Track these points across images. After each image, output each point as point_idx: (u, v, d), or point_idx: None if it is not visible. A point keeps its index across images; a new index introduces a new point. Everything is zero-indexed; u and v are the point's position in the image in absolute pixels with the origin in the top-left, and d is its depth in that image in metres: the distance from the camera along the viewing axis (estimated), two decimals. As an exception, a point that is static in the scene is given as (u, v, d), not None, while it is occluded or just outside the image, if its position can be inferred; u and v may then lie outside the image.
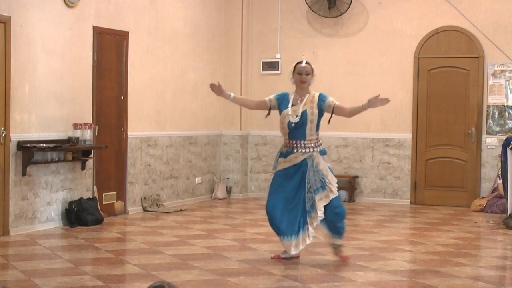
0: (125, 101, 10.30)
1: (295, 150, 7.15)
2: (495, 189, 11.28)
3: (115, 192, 10.18)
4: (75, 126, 9.22)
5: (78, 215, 9.13)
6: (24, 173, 8.55)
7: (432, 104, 11.85)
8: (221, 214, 10.70)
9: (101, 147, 9.60)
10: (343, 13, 12.09)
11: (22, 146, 8.50)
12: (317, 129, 7.20)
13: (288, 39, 12.66)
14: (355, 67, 12.25)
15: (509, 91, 11.44)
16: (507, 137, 9.82)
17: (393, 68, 12.05)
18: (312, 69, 7.32)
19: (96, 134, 9.72)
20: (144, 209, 10.68)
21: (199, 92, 12.07)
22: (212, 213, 10.80)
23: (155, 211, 10.64)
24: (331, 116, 7.24)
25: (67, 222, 9.17)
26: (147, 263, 7.06)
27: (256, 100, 7.67)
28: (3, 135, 8.33)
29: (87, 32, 9.55)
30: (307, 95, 7.27)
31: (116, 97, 10.16)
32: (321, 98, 7.22)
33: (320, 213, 7.07)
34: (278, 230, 7.18)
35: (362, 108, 7.08)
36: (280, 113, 7.32)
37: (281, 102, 7.33)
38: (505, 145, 9.76)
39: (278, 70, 12.68)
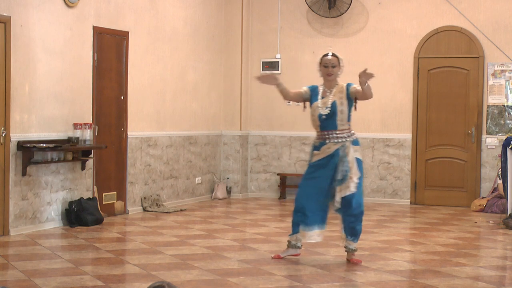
0: (125, 101, 10.30)
1: (327, 141, 7.12)
2: (495, 189, 11.28)
3: (115, 192, 10.18)
4: (75, 126, 9.22)
5: (78, 215, 9.13)
6: (24, 173, 8.55)
7: (432, 104, 11.85)
8: (221, 214, 10.70)
9: (101, 147, 9.60)
10: (343, 13, 12.09)
11: (22, 146, 8.50)
12: (349, 119, 7.16)
13: (288, 39, 12.66)
14: (355, 67, 12.15)
15: (509, 91, 11.44)
16: (507, 137, 9.82)
17: (393, 68, 12.06)
18: (339, 61, 7.27)
19: (96, 134, 9.72)
20: (144, 209, 10.68)
21: (199, 92, 12.07)
22: (212, 213, 10.80)
23: (155, 211, 10.64)
24: (355, 102, 7.19)
25: (67, 222, 9.17)
26: (147, 263, 7.06)
27: (293, 91, 7.47)
28: (3, 135, 8.33)
29: (87, 32, 9.55)
30: (336, 86, 7.24)
31: (116, 97, 10.16)
32: (348, 87, 7.18)
33: (337, 204, 7.07)
34: (306, 219, 7.14)
35: (361, 84, 7.02)
36: (310, 105, 7.28)
37: (312, 94, 7.30)
38: (505, 145, 9.76)
39: (278, 70, 12.68)
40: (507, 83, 11.44)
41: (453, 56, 11.72)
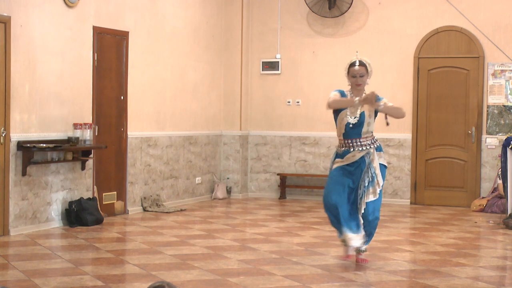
0: (125, 101, 10.30)
1: (352, 149, 7.03)
2: (495, 189, 11.28)
3: (115, 192, 10.18)
4: (75, 126, 9.22)
5: (78, 215, 9.13)
6: (24, 173, 8.55)
7: (432, 104, 11.85)
8: (221, 214, 10.70)
9: (101, 147, 9.60)
10: (343, 13, 12.09)
11: (22, 146, 8.50)
12: (372, 128, 7.11)
13: (288, 39, 12.66)
14: (355, 67, 12.22)
15: (509, 91, 11.44)
16: (507, 137, 9.82)
17: (393, 68, 12.05)
18: (366, 69, 7.11)
19: (96, 134, 9.72)
20: (144, 209, 10.68)
21: (199, 92, 12.07)
22: (212, 213, 10.80)
23: (155, 211, 10.64)
24: (386, 116, 7.09)
25: (67, 222, 9.17)
26: (147, 263, 7.06)
27: (337, 99, 7.18)
28: (3, 135, 8.33)
29: (87, 32, 9.55)
30: (363, 95, 7.09)
31: (116, 97, 10.16)
32: (376, 100, 7.03)
33: (362, 209, 6.96)
34: (341, 222, 7.01)
35: (381, 109, 7.02)
36: (338, 112, 7.12)
37: None
38: (505, 145, 9.76)
39: (278, 70, 12.68)
40: (507, 83, 11.44)
41: (453, 56, 11.72)
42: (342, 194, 7.01)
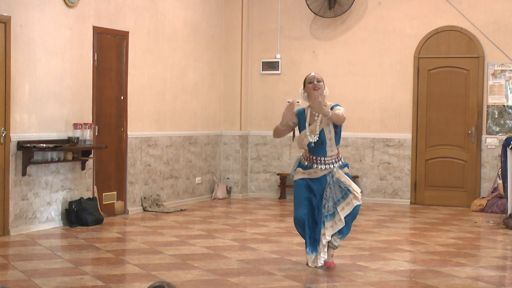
0: (125, 101, 10.30)
1: (315, 166, 6.94)
2: (495, 189, 11.28)
3: (115, 192, 10.18)
4: (75, 126, 9.22)
5: (78, 215, 9.13)
6: (24, 173, 8.56)
7: (432, 104, 11.85)
8: (221, 214, 10.70)
9: (101, 147, 9.60)
10: (343, 13, 12.09)
11: (22, 146, 8.50)
12: (337, 143, 6.98)
13: (288, 39, 12.66)
14: (355, 67, 12.24)
15: (509, 91, 11.44)
16: (507, 137, 9.83)
17: (393, 68, 12.05)
18: (322, 80, 7.03)
19: (96, 134, 9.72)
20: (144, 209, 10.68)
21: (199, 92, 12.07)
22: (212, 213, 10.80)
23: (155, 211, 10.64)
24: (336, 126, 6.97)
25: (67, 222, 9.17)
26: (147, 263, 7.06)
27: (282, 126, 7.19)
28: (3, 135, 8.33)
29: (87, 32, 9.55)
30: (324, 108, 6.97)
31: (116, 97, 10.16)
32: (332, 108, 6.93)
33: (340, 224, 6.87)
34: (306, 239, 7.02)
35: (325, 115, 6.89)
36: (300, 131, 7.06)
37: (300, 119, 7.05)
38: (505, 145, 9.76)
39: (278, 70, 12.68)
40: (507, 83, 11.44)
41: (453, 56, 11.72)
42: (308, 210, 6.97)
